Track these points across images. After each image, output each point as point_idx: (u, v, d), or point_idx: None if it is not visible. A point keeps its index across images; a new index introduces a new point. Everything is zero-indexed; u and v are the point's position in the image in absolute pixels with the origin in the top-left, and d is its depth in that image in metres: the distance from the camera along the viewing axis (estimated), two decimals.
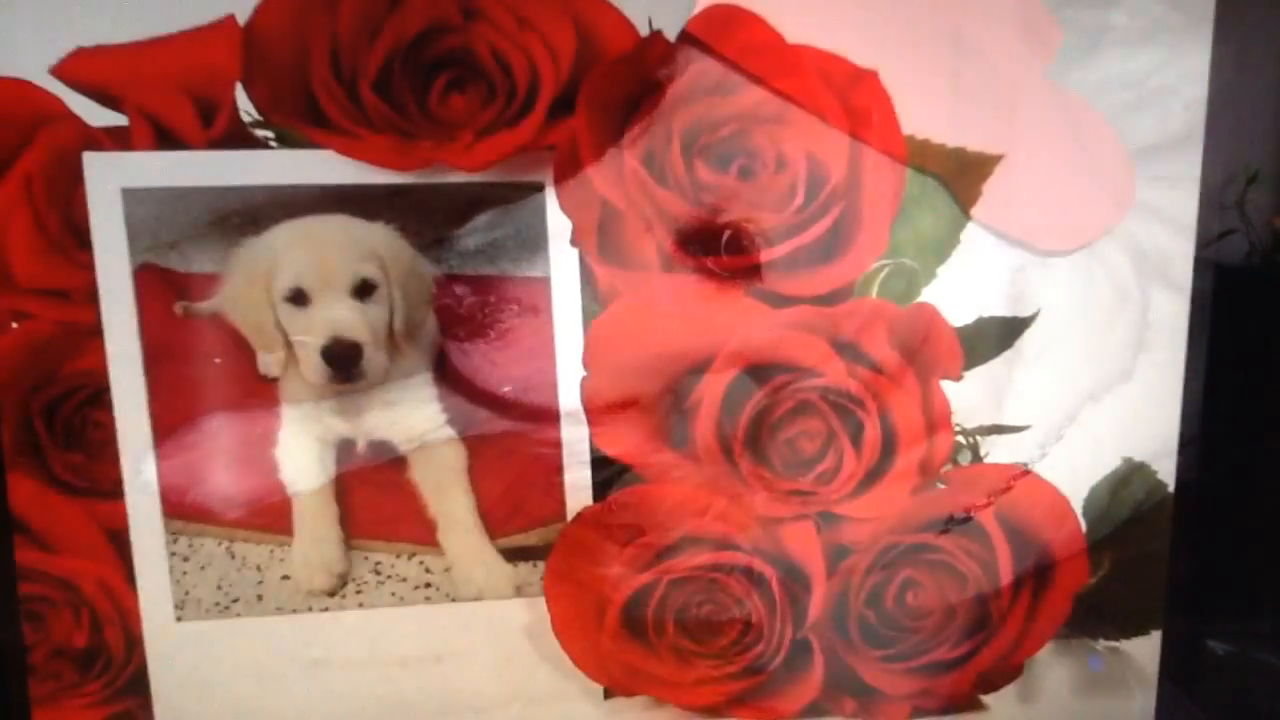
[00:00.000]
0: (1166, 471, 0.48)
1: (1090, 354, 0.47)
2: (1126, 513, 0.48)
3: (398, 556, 0.47)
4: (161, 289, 0.43)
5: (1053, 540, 0.47)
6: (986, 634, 0.47)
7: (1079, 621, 0.49)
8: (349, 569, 0.46)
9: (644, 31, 0.42)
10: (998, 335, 0.46)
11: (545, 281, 0.45)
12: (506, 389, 0.46)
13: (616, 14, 0.42)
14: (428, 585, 0.47)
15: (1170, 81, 0.45)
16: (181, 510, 0.45)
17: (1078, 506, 0.47)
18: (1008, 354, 0.46)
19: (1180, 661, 0.51)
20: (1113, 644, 0.50)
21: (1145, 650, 0.50)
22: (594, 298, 0.45)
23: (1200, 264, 0.47)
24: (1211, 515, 0.51)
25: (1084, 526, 0.47)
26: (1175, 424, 0.48)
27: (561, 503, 0.46)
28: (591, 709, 0.48)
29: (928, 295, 0.45)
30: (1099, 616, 0.49)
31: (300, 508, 0.46)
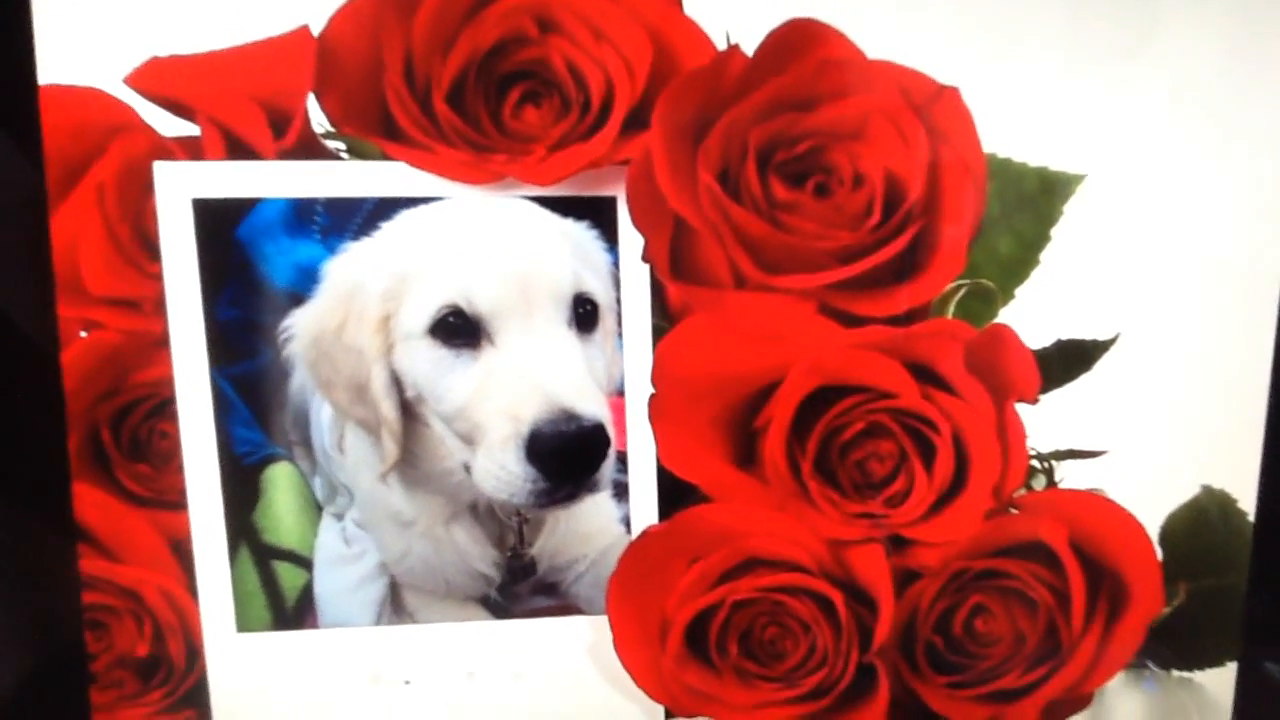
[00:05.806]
0: (1248, 500, 0.47)
1: (1171, 378, 0.45)
2: (1204, 542, 0.46)
3: None
4: None
5: (1127, 568, 0.46)
6: (1056, 662, 0.46)
7: (1152, 651, 0.48)
8: None
9: (721, 45, 0.41)
10: (1076, 358, 0.45)
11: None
12: None
13: (693, 27, 0.41)
14: (489, 600, 0.46)
15: (1260, 94, 0.44)
16: (244, 522, 0.45)
17: (1154, 534, 0.46)
18: (1086, 377, 0.45)
19: (1256, 695, 0.49)
20: (1186, 675, 0.49)
21: (1219, 682, 0.49)
22: (664, 314, 0.44)
23: None
24: None
25: (1160, 554, 0.46)
26: (1258, 450, 0.46)
27: (626, 520, 0.46)
28: None
29: (1005, 316, 0.44)
30: (1173, 647, 0.48)
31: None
